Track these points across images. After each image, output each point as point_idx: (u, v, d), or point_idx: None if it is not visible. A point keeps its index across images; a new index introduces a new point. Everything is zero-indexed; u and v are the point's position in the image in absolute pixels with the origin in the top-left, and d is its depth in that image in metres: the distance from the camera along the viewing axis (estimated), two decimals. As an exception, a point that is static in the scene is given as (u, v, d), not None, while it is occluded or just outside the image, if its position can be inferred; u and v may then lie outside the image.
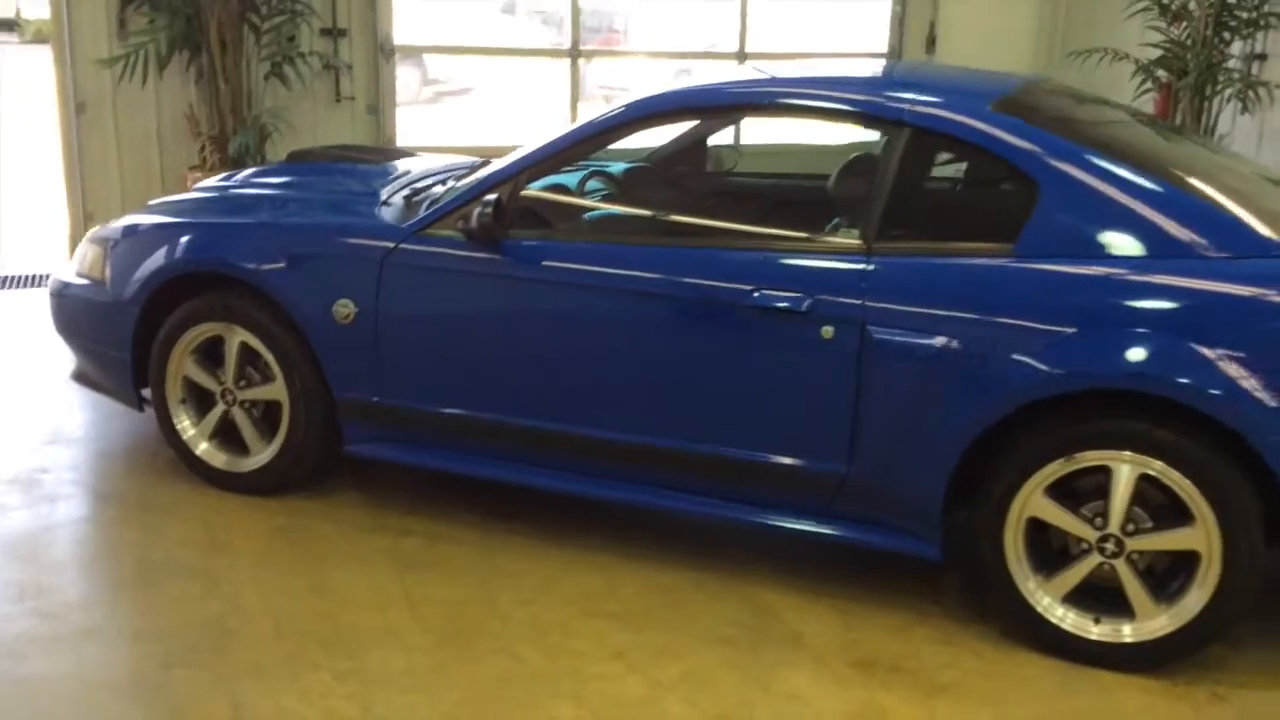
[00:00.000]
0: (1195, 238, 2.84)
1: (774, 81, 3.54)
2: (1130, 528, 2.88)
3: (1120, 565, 2.91)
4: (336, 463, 3.74)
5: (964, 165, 3.39)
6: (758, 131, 5.71)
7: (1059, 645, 2.98)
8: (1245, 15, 7.71)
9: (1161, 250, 2.85)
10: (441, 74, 13.70)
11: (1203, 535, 2.80)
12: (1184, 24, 7.87)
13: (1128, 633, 2.93)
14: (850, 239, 3.09)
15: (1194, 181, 3.05)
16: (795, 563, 3.40)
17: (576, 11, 8.17)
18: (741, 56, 9.00)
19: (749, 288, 3.08)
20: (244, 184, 4.30)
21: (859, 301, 2.99)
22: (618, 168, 4.06)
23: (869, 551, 3.17)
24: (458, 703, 2.72)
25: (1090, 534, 2.92)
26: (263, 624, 3.01)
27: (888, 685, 2.86)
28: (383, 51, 7.84)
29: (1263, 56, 8.16)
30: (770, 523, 3.22)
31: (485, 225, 3.27)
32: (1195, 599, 2.85)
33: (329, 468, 3.78)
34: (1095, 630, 2.95)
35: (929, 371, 2.93)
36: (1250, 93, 7.95)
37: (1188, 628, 2.86)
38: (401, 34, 7.89)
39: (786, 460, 3.14)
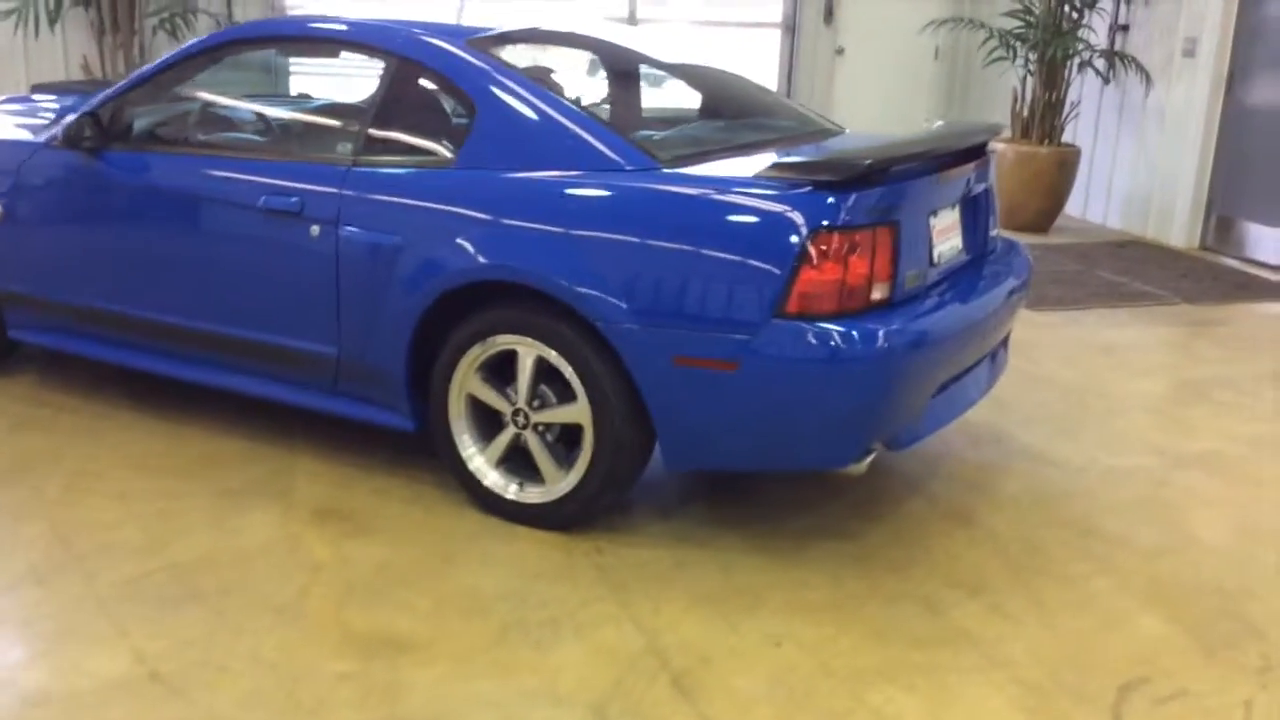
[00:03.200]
0: (587, 155, 3.28)
1: (308, 17, 4.07)
2: (536, 403, 3.35)
3: (529, 435, 3.38)
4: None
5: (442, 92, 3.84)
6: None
7: (492, 505, 3.45)
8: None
9: (550, 163, 3.29)
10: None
11: (584, 410, 3.25)
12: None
13: (538, 494, 3.39)
14: (343, 154, 3.61)
15: (606, 109, 3.48)
16: (337, 435, 3.93)
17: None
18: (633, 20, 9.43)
19: (261, 193, 3.61)
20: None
21: (336, 206, 3.51)
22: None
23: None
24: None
25: (506, 408, 3.39)
26: None
27: (322, 525, 3.38)
28: (273, 9, 8.49)
29: (1125, 28, 8.30)
30: (294, 400, 3.76)
31: (83, 137, 3.87)
32: (581, 466, 3.30)
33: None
34: (512, 491, 3.42)
35: (385, 264, 3.43)
36: (1110, 64, 8.11)
37: (577, 490, 3.32)
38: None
39: (297, 344, 3.66)
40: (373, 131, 3.58)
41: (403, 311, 3.41)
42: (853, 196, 3.02)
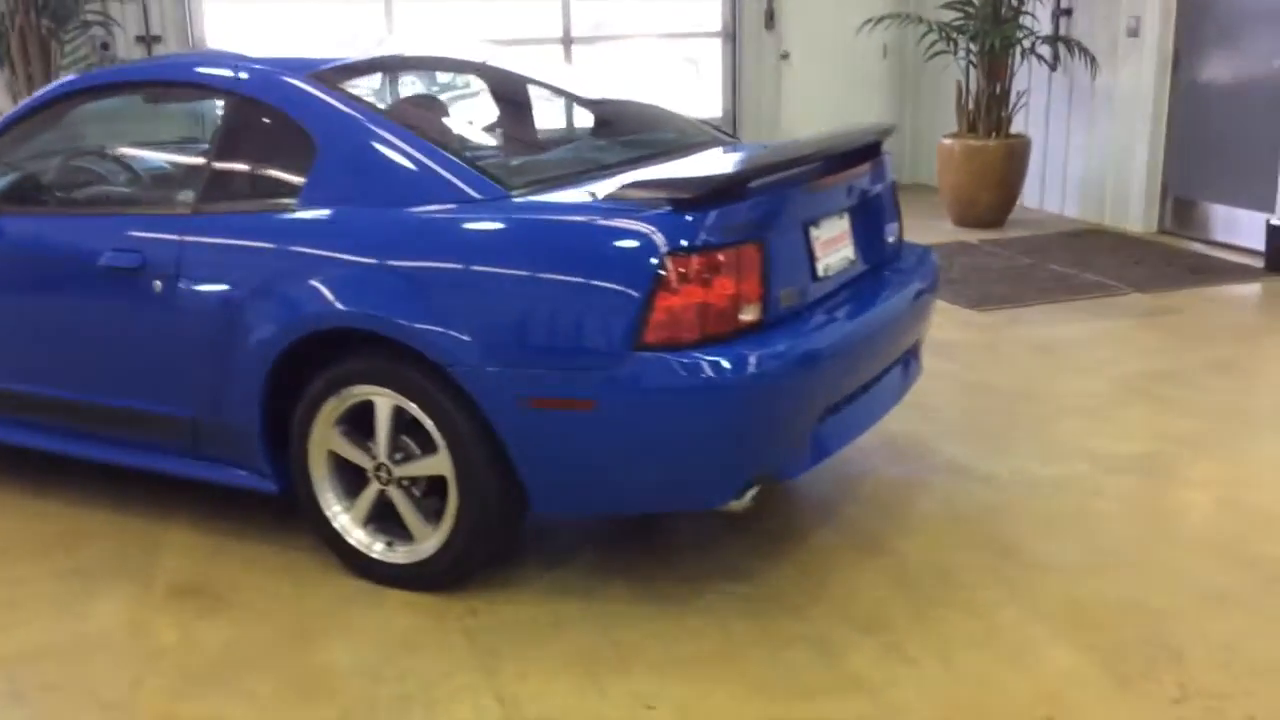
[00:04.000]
0: (430, 188, 3.04)
1: (155, 60, 3.85)
2: (399, 456, 3.11)
3: (394, 491, 3.14)
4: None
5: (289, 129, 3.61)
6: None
7: (362, 567, 3.22)
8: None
9: (393, 198, 3.06)
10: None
11: (445, 461, 3.02)
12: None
13: (407, 554, 3.16)
14: (185, 202, 3.38)
15: (459, 137, 3.25)
16: (212, 500, 3.69)
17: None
18: (566, 41, 9.25)
19: (104, 250, 3.39)
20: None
21: (176, 257, 3.28)
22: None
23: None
24: None
25: (368, 462, 3.16)
26: None
27: (177, 604, 3.14)
28: (194, 48, 8.28)
29: (1068, 12, 8.09)
30: (156, 466, 3.52)
31: None
32: (447, 521, 3.06)
33: None
34: (378, 550, 3.18)
35: (229, 317, 3.19)
36: (1055, 50, 7.88)
37: (445, 548, 3.08)
38: (216, 38, 8.36)
39: (151, 407, 3.43)
40: (214, 175, 3.36)
41: (251, 366, 3.18)
42: (711, 214, 2.79)
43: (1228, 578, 3.10)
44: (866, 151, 3.53)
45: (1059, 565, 3.19)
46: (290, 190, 3.22)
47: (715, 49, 9.60)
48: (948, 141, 8.05)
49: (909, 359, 3.65)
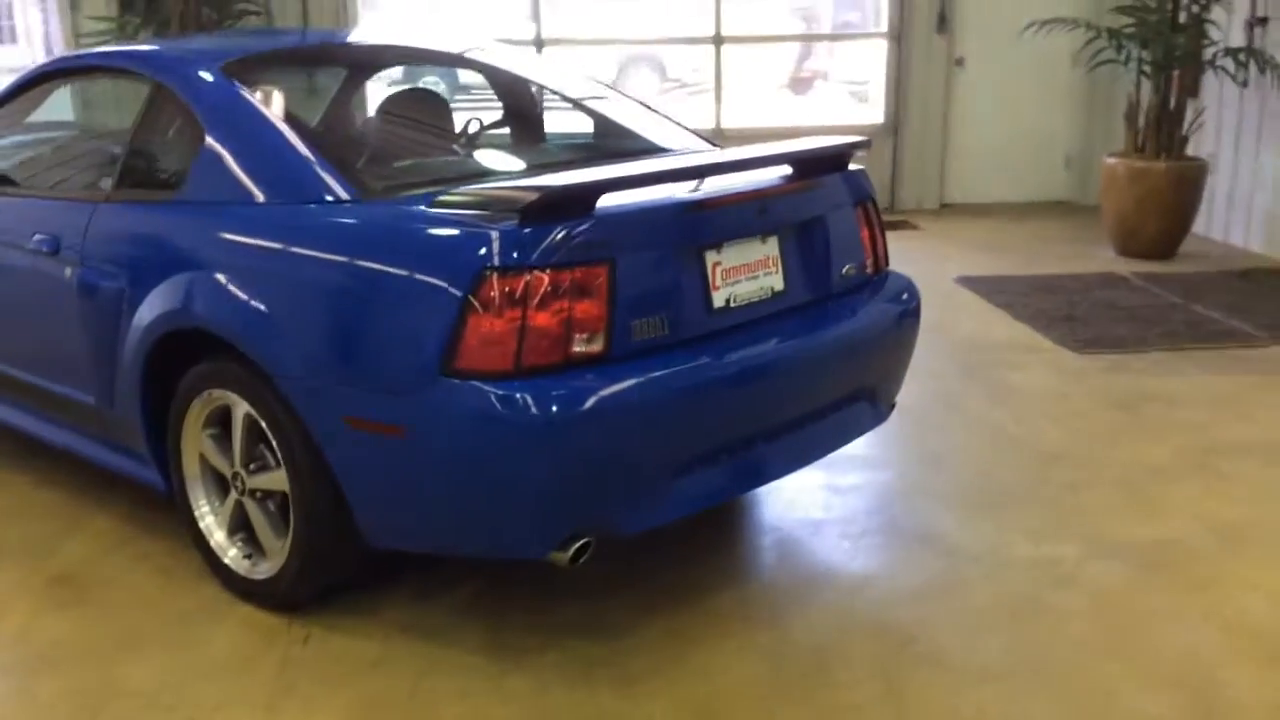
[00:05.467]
0: (286, 186, 2.87)
1: (89, 52, 3.82)
2: (253, 466, 2.96)
3: (248, 502, 3.00)
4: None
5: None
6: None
7: (225, 576, 3.09)
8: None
9: (254, 195, 2.90)
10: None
11: (284, 478, 2.84)
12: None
13: (260, 568, 3.01)
14: (101, 189, 3.35)
15: (344, 134, 3.06)
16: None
17: None
18: (718, 40, 8.95)
19: (33, 232, 3.40)
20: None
21: (81, 244, 3.25)
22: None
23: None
24: None
25: (227, 470, 3.03)
26: None
27: (43, 595, 3.11)
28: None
29: (1263, 21, 7.14)
30: (80, 451, 3.52)
31: None
32: (288, 543, 2.89)
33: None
34: (234, 558, 3.05)
35: (116, 308, 3.14)
36: (1245, 64, 6.95)
37: (284, 570, 2.91)
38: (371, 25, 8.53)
39: (65, 390, 3.43)
40: (126, 163, 3.30)
41: (131, 361, 3.11)
42: (545, 230, 2.49)
43: (1169, 714, 2.53)
44: (817, 166, 3.11)
45: (958, 667, 2.70)
46: (177, 182, 3.12)
47: (879, 51, 9.05)
48: (1112, 161, 7.26)
49: (859, 404, 3.20)
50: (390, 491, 2.68)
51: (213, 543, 3.09)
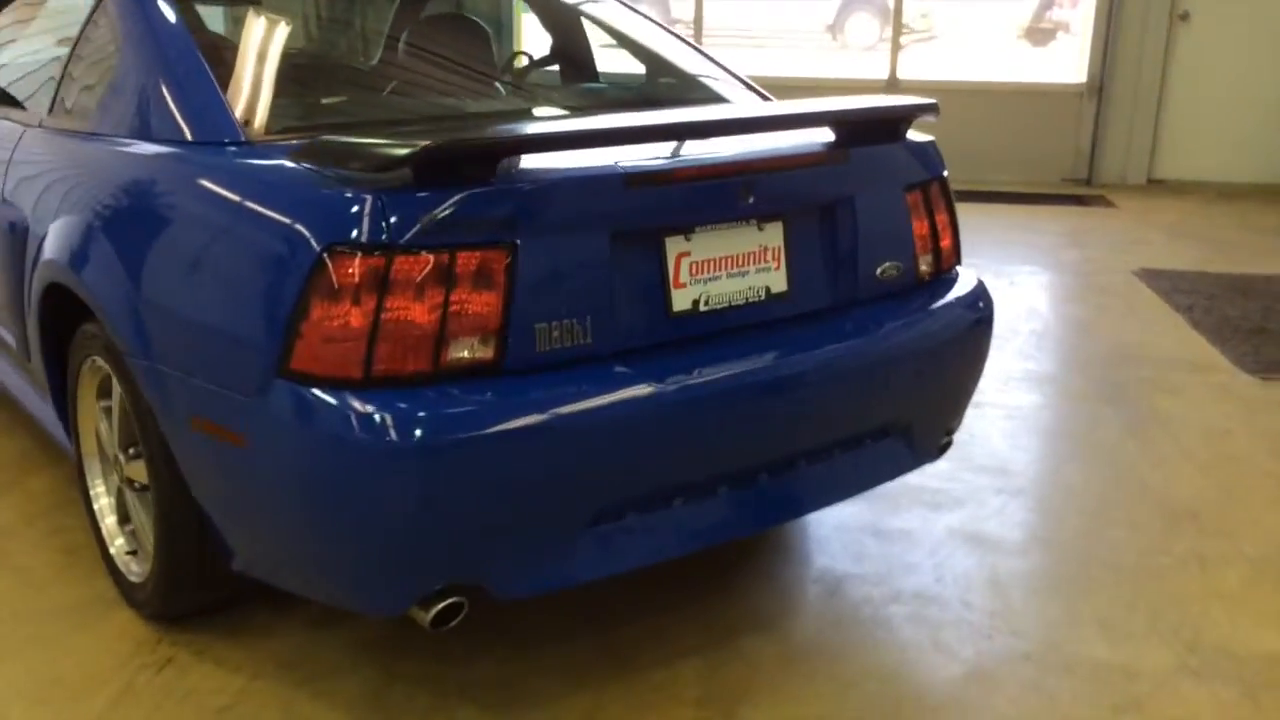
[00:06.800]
0: (166, 123, 2.36)
1: None
2: (132, 451, 2.51)
3: (127, 491, 2.56)
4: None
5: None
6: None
7: (110, 567, 2.67)
8: None
9: (142, 130, 2.41)
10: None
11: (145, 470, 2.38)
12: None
13: (134, 569, 2.57)
14: (36, 113, 2.94)
15: (271, 67, 2.49)
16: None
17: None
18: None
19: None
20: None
21: (4, 173, 2.88)
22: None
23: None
24: None
25: (109, 450, 2.59)
26: None
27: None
28: None
29: None
30: (24, 404, 3.17)
31: None
32: (153, 545, 2.43)
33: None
34: (114, 548, 2.63)
35: (23, 251, 2.73)
36: None
37: (153, 574, 2.45)
38: None
39: (2, 333, 3.08)
40: (61, 85, 2.87)
41: (30, 311, 2.70)
42: (416, 200, 1.90)
43: None
44: (856, 133, 2.39)
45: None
46: (91, 111, 2.66)
47: (1088, 5, 7.92)
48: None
49: (888, 441, 2.49)
50: (236, 513, 2.16)
51: (104, 528, 2.67)
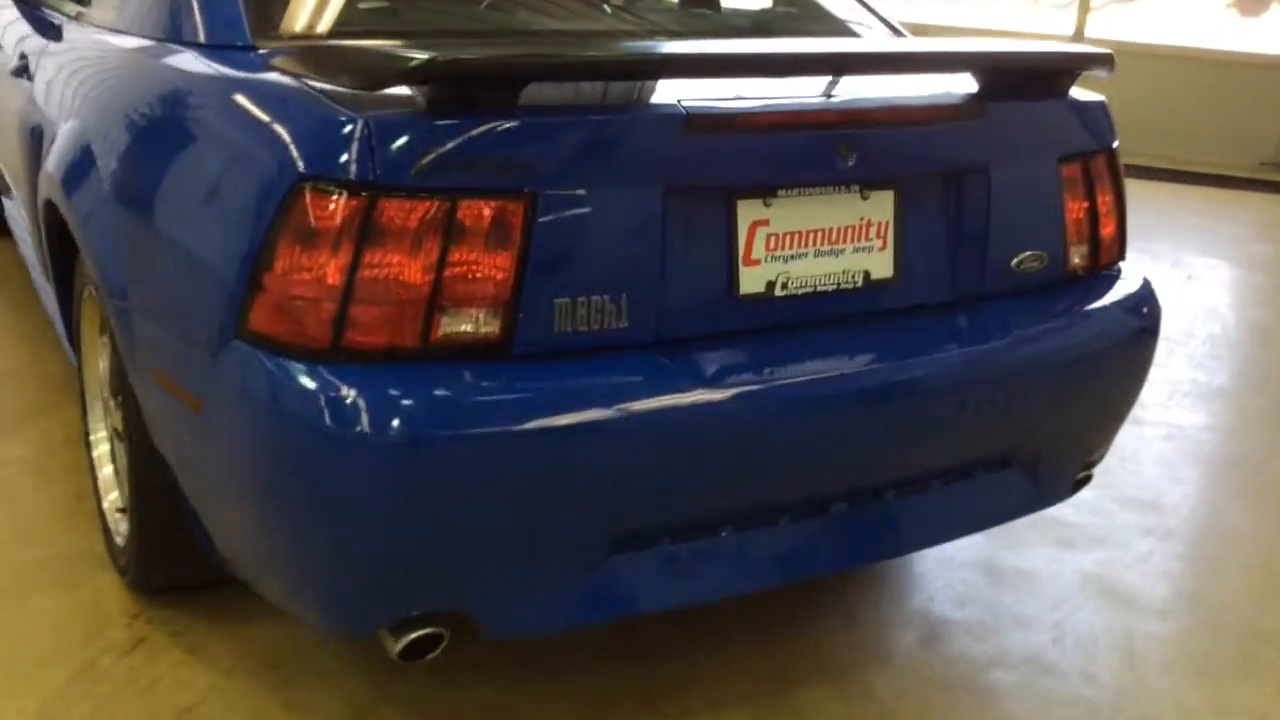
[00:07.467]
0: (174, 21, 2.00)
1: None
2: (121, 397, 2.19)
3: (115, 442, 2.26)
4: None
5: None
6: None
7: (103, 525, 2.39)
8: None
9: (150, 28, 2.07)
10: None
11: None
12: None
13: (121, 527, 2.27)
14: (76, 5, 2.64)
15: None
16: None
17: None
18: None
19: (19, 50, 2.78)
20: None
21: (34, 70, 2.60)
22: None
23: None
24: None
25: (102, 392, 2.30)
26: None
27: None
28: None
29: None
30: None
31: None
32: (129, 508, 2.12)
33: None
34: (108, 502, 2.33)
35: (36, 153, 2.45)
36: None
37: (131, 539, 2.14)
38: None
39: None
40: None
41: (41, 226, 2.42)
42: (413, 128, 1.50)
43: None
44: (1012, 86, 1.90)
45: None
46: (117, 5, 2.33)
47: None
48: None
49: (1008, 474, 2.01)
50: (195, 487, 1.82)
51: (100, 477, 2.38)
